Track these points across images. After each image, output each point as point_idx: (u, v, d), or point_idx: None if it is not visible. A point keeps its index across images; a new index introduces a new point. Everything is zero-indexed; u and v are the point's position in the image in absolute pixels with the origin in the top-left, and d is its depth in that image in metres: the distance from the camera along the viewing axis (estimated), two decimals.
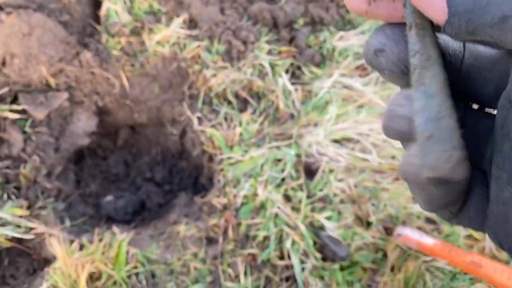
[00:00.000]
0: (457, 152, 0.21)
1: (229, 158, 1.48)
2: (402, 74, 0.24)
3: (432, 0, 0.21)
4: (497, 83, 0.24)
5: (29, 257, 1.40)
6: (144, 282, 1.34)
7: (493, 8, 0.19)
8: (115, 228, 1.37)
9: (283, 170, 1.45)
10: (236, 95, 1.61)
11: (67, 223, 1.46)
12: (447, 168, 0.20)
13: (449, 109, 0.22)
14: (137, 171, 1.77)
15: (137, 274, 1.34)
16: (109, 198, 1.68)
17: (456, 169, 0.21)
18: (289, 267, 1.38)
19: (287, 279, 1.38)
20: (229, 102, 1.60)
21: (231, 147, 1.50)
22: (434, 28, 0.24)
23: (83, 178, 1.70)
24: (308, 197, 1.43)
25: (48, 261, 1.37)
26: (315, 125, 1.54)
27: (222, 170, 1.48)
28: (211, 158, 1.55)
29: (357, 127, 1.51)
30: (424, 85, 0.22)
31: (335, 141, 1.51)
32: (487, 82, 0.25)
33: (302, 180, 1.45)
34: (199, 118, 1.57)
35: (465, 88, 0.26)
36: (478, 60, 0.25)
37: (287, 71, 1.66)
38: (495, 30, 0.20)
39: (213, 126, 1.55)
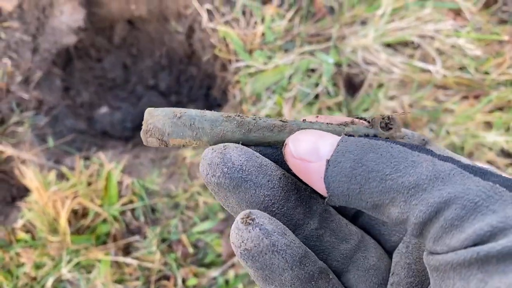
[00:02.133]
0: None
1: (247, 66, 1.15)
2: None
3: (311, 171, 0.24)
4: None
5: (7, 183, 1.17)
6: (142, 218, 1.10)
7: (365, 197, 0.23)
8: (102, 155, 1.09)
9: (317, 84, 1.12)
10: None
11: (50, 142, 1.19)
12: None
13: None
14: (137, 77, 1.46)
15: (133, 210, 1.10)
16: (104, 109, 1.40)
17: None
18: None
19: None
20: None
21: (250, 52, 1.16)
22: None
23: (72, 85, 1.40)
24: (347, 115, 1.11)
25: (29, 189, 1.13)
26: (363, 23, 1.16)
27: (238, 82, 1.15)
28: (224, 66, 1.22)
29: (419, 27, 1.13)
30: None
31: (388, 45, 1.15)
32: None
33: (341, 97, 1.12)
34: (209, 11, 1.21)
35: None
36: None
37: None
38: (372, 213, 0.24)
39: (227, 22, 1.19)
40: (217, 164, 0.24)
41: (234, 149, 0.25)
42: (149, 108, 0.26)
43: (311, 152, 0.24)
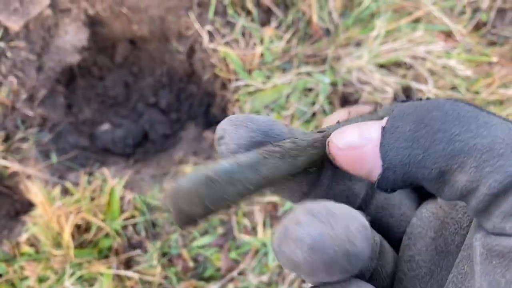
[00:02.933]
0: None
1: (246, 85, 1.19)
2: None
3: (363, 155, 0.21)
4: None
5: (10, 198, 1.19)
6: (143, 233, 1.13)
7: (430, 162, 0.19)
8: (106, 170, 1.13)
9: (313, 103, 1.16)
10: (258, 3, 1.28)
11: (54, 158, 1.22)
12: None
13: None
14: (138, 94, 1.50)
15: (134, 225, 1.12)
16: (106, 126, 1.43)
17: None
18: None
19: None
20: (248, 12, 1.27)
21: (249, 72, 1.20)
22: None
23: (75, 103, 1.44)
24: None
25: (33, 204, 1.16)
26: (357, 44, 1.21)
27: (237, 100, 1.19)
28: (224, 85, 1.26)
29: (411, 49, 1.18)
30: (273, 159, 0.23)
31: (382, 65, 1.19)
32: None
33: None
34: (210, 32, 1.26)
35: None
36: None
37: None
38: (433, 184, 0.20)
39: (227, 43, 1.23)
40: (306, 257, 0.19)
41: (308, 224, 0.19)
42: (170, 186, 0.22)
43: (360, 137, 0.21)
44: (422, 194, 0.26)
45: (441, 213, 0.24)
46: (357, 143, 0.21)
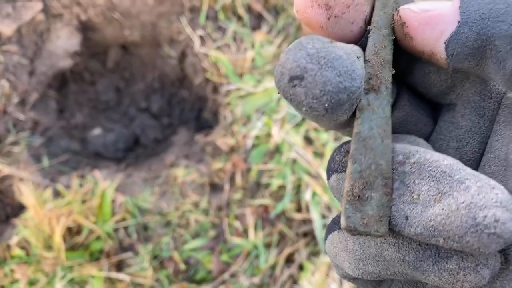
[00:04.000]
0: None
1: (238, 89, 1.20)
2: (326, 113, 0.20)
3: (438, 15, 0.19)
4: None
5: (1, 202, 1.19)
6: (134, 236, 1.13)
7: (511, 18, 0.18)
8: (97, 173, 1.13)
9: None
10: (248, 9, 1.29)
11: (45, 162, 1.22)
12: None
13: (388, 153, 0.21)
14: (130, 99, 1.51)
15: (126, 227, 1.13)
16: (98, 131, 1.43)
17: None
18: (307, 221, 1.15)
19: (304, 234, 1.16)
20: (239, 18, 1.28)
21: (240, 76, 1.21)
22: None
23: (67, 107, 1.44)
24: (335, 139, 1.16)
25: (24, 207, 1.15)
26: None
27: (229, 104, 1.20)
28: (216, 89, 1.27)
29: None
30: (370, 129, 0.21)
31: None
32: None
33: None
34: (201, 37, 1.27)
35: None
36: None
37: None
38: (505, 44, 0.18)
39: (218, 48, 1.25)
40: None
41: None
42: None
43: (434, 4, 0.20)
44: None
45: (465, 123, 0.23)
46: (432, 7, 0.20)
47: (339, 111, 0.20)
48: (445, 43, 0.19)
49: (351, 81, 0.19)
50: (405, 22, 0.20)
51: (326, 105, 0.19)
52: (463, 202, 0.18)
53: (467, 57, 0.19)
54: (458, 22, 0.19)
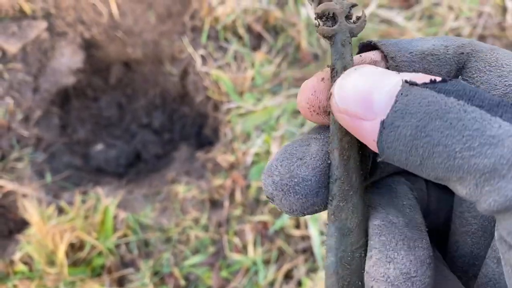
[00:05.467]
0: None
1: (238, 107, 1.23)
2: (303, 215, 0.23)
3: (365, 141, 0.20)
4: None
5: (4, 217, 1.21)
6: (135, 251, 1.14)
7: (427, 170, 0.19)
8: (100, 190, 1.15)
9: (302, 124, 1.20)
10: (249, 29, 1.32)
11: (48, 178, 1.24)
12: None
13: (363, 247, 0.22)
14: (132, 115, 1.53)
15: (127, 243, 1.14)
16: (99, 147, 1.45)
17: None
18: (305, 238, 1.17)
19: (303, 251, 1.18)
20: (240, 38, 1.31)
21: (240, 94, 1.24)
22: (360, 148, 0.23)
23: (69, 123, 1.46)
24: None
25: (26, 222, 1.17)
26: None
27: (229, 121, 1.23)
28: (216, 107, 1.30)
29: None
30: (340, 221, 0.22)
31: None
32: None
33: None
34: (202, 56, 1.30)
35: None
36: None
37: None
38: (433, 181, 0.19)
39: (219, 67, 1.27)
40: None
41: None
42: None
43: (362, 105, 0.20)
44: None
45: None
46: (357, 113, 0.20)
47: (313, 212, 0.23)
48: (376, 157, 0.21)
49: (315, 198, 0.22)
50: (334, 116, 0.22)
51: (299, 215, 0.23)
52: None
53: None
54: (379, 157, 0.20)
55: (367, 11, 1.30)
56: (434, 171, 0.18)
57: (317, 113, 0.23)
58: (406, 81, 0.19)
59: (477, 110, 0.18)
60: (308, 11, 1.32)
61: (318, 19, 0.22)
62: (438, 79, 0.19)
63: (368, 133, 0.20)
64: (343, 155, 0.22)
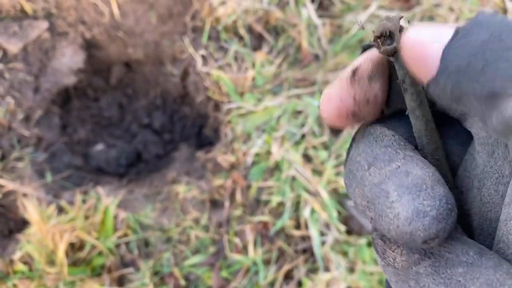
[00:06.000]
0: None
1: (238, 107, 1.23)
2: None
3: (426, 52, 0.19)
4: None
5: (4, 217, 1.21)
6: (136, 251, 1.14)
7: (486, 79, 0.17)
8: (100, 189, 1.15)
9: (303, 125, 1.20)
10: (249, 29, 1.32)
11: (49, 177, 1.24)
12: None
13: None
14: (132, 115, 1.53)
15: (127, 243, 1.14)
16: (100, 147, 1.45)
17: None
18: (305, 238, 1.17)
19: (303, 251, 1.18)
20: (241, 38, 1.32)
21: (241, 94, 1.24)
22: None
23: (70, 123, 1.47)
24: (333, 158, 1.19)
25: (27, 222, 1.17)
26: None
27: (230, 122, 1.23)
28: (217, 107, 1.30)
29: None
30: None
31: None
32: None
33: (326, 138, 1.20)
34: (203, 56, 1.30)
35: None
36: None
37: (313, 0, 1.36)
38: (481, 104, 0.17)
39: (220, 67, 1.28)
40: None
41: None
42: None
43: (434, 35, 0.19)
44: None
45: (480, 161, 0.22)
46: (429, 39, 0.19)
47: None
48: (427, 84, 0.19)
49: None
50: (400, 49, 0.20)
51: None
52: None
53: (449, 102, 0.19)
54: (438, 67, 0.19)
55: (368, 12, 1.31)
56: (493, 80, 0.17)
57: (346, 119, 0.22)
58: (481, 11, 0.19)
59: None
60: (309, 12, 1.32)
61: (378, 40, 0.22)
62: None
63: (434, 53, 0.18)
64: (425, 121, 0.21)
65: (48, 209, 1.09)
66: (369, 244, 1.16)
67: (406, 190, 0.19)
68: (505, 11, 1.40)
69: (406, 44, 0.19)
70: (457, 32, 0.18)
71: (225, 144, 1.23)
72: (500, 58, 0.17)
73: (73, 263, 1.07)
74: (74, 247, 1.08)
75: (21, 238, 1.08)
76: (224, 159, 1.21)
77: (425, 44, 0.19)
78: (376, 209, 0.20)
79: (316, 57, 1.31)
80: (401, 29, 0.21)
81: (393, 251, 0.21)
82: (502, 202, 0.20)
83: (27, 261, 1.07)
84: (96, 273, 1.09)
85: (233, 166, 1.21)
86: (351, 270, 1.12)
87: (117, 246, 1.12)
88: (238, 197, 1.19)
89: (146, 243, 1.17)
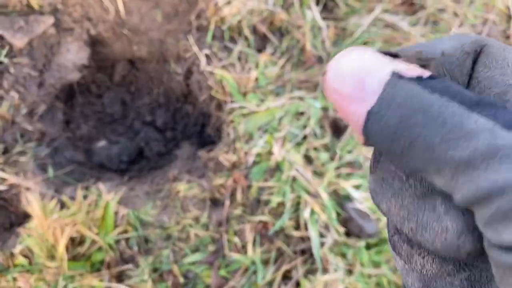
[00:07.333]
0: None
1: (241, 107, 1.23)
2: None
3: (351, 123, 0.21)
4: None
5: (5, 210, 1.21)
6: (135, 248, 1.15)
7: (407, 160, 0.19)
8: (101, 186, 1.16)
9: (305, 126, 1.20)
10: (254, 30, 1.33)
11: (51, 172, 1.25)
12: None
13: None
14: (135, 113, 1.54)
15: (127, 239, 1.15)
16: (102, 143, 1.46)
17: None
18: (305, 239, 1.17)
19: (302, 252, 1.18)
20: (245, 38, 1.32)
21: (244, 94, 1.25)
22: None
23: (73, 119, 1.47)
24: (334, 160, 1.19)
25: (27, 216, 1.18)
26: None
27: (232, 121, 1.23)
28: (220, 106, 1.30)
29: None
30: None
31: None
32: None
33: (327, 139, 1.20)
34: (207, 56, 1.31)
35: None
36: None
37: (317, 2, 1.36)
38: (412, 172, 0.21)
39: (223, 67, 1.28)
40: None
41: None
42: None
43: (354, 86, 0.20)
44: None
45: None
46: (349, 93, 0.20)
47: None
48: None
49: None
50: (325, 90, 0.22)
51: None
52: None
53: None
54: (365, 143, 0.21)
55: (372, 16, 1.31)
56: (414, 162, 0.19)
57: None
58: (394, 73, 0.20)
59: (458, 106, 0.18)
60: (314, 14, 1.32)
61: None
62: (427, 74, 0.20)
63: (356, 117, 0.20)
64: None
65: (49, 204, 1.09)
66: (368, 247, 1.16)
67: (452, 204, 0.20)
68: (509, 17, 1.40)
69: (326, 89, 0.21)
70: (368, 114, 0.19)
71: (227, 144, 1.24)
72: (413, 146, 0.19)
73: (73, 258, 1.08)
74: (74, 242, 1.09)
75: (21, 232, 1.08)
76: (226, 158, 1.21)
77: (344, 100, 0.20)
78: (419, 220, 0.21)
79: (320, 59, 1.31)
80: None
81: (422, 258, 0.21)
82: None
83: (27, 254, 1.08)
84: (96, 268, 1.09)
85: (234, 166, 1.22)
86: (350, 272, 1.13)
87: (117, 242, 1.13)
88: (239, 196, 1.19)
89: (146, 240, 1.17)
